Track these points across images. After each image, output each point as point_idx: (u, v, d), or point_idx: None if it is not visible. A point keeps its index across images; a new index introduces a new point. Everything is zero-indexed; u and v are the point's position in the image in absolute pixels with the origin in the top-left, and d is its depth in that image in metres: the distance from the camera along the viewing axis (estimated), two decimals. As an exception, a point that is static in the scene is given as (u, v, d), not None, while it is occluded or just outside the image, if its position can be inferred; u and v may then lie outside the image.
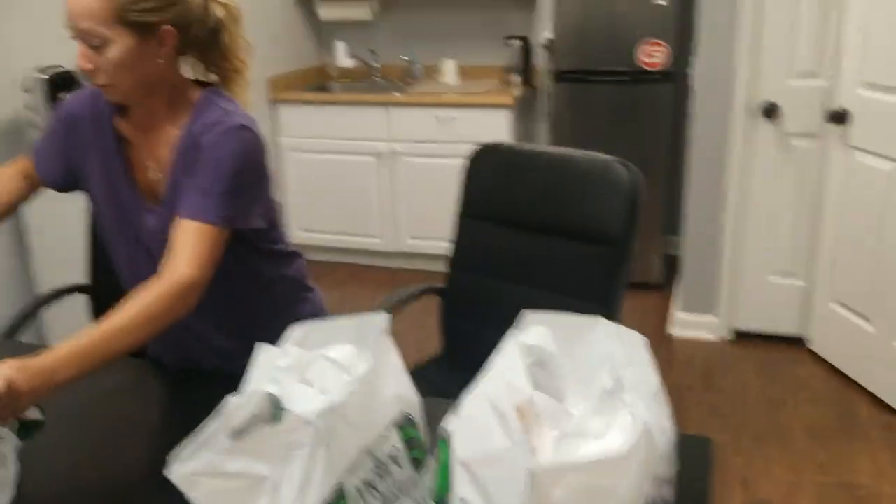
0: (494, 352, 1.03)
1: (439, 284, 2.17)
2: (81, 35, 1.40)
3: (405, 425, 1.09)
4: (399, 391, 1.10)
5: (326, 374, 1.05)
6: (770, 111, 3.24)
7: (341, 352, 1.07)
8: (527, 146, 2.05)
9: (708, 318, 3.63)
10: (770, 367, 3.34)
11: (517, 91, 4.20)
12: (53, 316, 2.41)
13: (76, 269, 2.42)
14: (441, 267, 2.21)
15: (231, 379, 1.18)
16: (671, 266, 4.25)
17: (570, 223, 1.94)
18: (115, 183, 1.60)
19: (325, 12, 4.66)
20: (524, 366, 0.98)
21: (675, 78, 3.84)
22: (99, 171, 1.61)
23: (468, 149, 2.10)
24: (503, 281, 2.04)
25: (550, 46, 4.10)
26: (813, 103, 3.21)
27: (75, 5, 1.39)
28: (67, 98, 1.67)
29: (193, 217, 1.46)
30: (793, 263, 3.44)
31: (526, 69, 4.36)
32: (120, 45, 1.41)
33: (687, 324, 3.66)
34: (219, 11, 1.52)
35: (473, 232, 2.09)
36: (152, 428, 1.48)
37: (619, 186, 1.88)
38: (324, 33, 4.89)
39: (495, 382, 0.95)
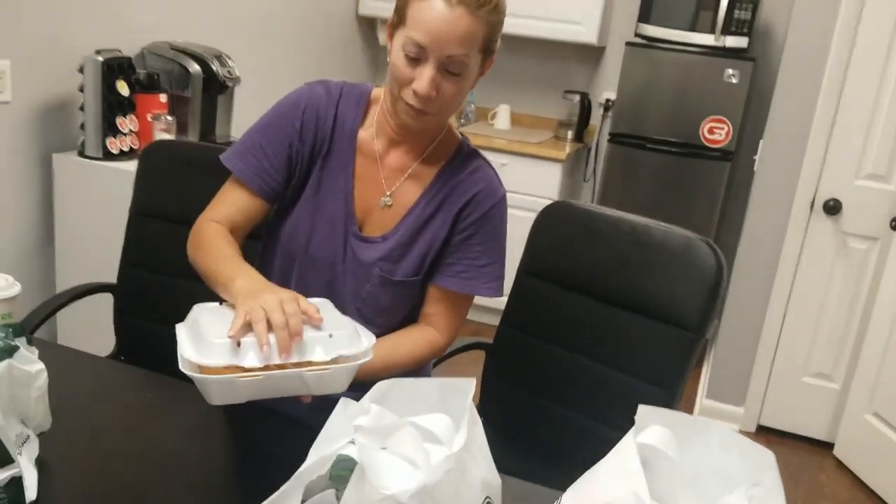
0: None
1: (486, 340, 2.05)
2: (445, 60, 1.30)
3: (488, 513, 0.98)
4: (486, 474, 0.98)
5: (414, 444, 0.94)
6: (832, 208, 3.15)
7: (435, 422, 0.96)
8: (603, 209, 1.94)
9: (734, 409, 3.51)
10: (793, 470, 3.21)
11: (570, 147, 4.12)
12: (66, 315, 2.28)
13: (95, 271, 2.32)
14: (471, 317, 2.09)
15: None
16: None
17: (640, 298, 1.83)
18: (330, 196, 1.45)
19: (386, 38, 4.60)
20: (642, 471, 0.87)
21: (734, 157, 3.75)
22: (316, 177, 1.46)
23: (513, 198, 2.00)
24: (556, 346, 1.92)
25: (610, 107, 4.03)
26: (878, 207, 3.11)
27: (454, 30, 1.27)
28: (298, 91, 1.47)
29: (463, 290, 1.49)
30: (831, 366, 3.33)
31: (581, 126, 4.29)
32: (472, 71, 1.35)
33: (711, 411, 3.53)
34: None
35: (533, 290, 1.98)
36: (228, 474, 1.35)
37: (702, 268, 1.77)
38: (381, 58, 4.83)
39: (615, 489, 0.84)
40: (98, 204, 2.66)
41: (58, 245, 2.76)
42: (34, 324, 1.92)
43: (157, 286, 2.13)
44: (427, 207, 1.44)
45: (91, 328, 2.45)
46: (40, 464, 1.20)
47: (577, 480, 0.92)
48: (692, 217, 3.78)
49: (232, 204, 1.43)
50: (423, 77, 1.30)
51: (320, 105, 1.44)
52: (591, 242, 1.92)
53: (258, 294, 1.18)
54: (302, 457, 0.95)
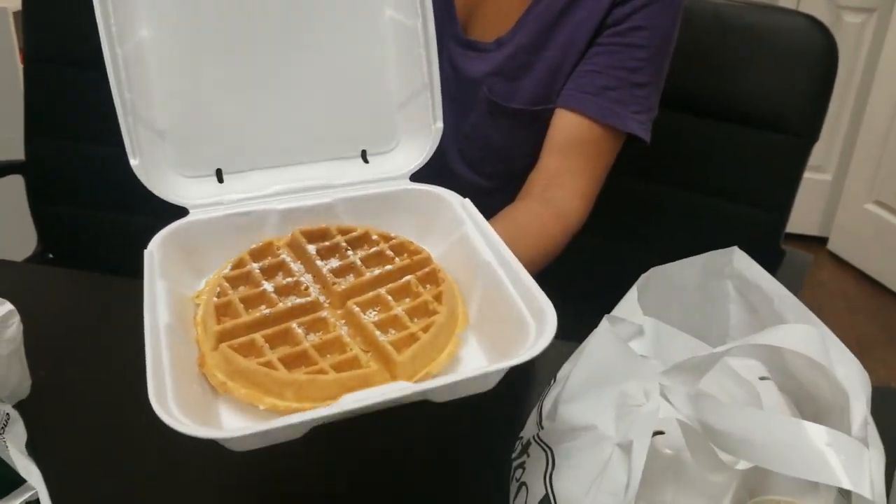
0: None
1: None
2: None
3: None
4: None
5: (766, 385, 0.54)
6: (825, -23, 2.80)
7: (795, 338, 0.55)
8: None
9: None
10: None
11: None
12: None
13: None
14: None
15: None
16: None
17: (731, 102, 1.45)
18: None
19: None
20: None
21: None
22: None
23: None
24: (627, 176, 1.54)
25: None
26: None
27: None
28: None
29: (608, 118, 0.97)
30: (823, 157, 3.10)
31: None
32: None
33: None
34: None
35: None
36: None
37: (809, 53, 1.41)
38: None
39: None
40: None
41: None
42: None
43: (79, 156, 1.63)
44: None
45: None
46: (32, 452, 0.76)
47: None
48: None
49: None
50: None
51: None
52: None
53: None
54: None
